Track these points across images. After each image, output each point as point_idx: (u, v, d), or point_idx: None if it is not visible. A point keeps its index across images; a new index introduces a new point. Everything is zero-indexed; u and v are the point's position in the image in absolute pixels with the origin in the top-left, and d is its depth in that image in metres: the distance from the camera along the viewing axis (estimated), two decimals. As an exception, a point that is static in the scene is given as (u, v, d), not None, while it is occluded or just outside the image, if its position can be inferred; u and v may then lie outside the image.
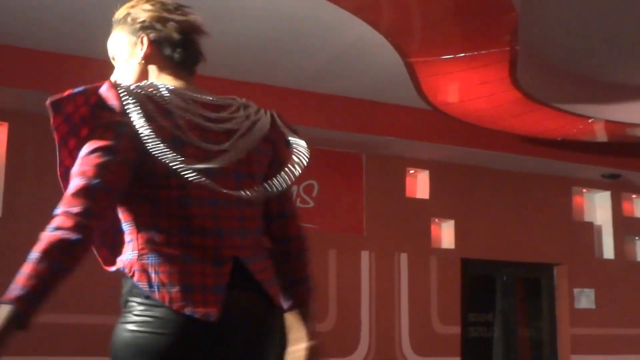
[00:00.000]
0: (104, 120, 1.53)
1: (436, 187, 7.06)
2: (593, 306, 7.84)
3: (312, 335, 1.73)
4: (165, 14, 1.69)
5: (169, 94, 1.59)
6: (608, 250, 8.16)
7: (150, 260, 1.53)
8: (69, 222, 1.43)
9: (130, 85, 1.59)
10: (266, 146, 1.70)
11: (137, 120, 1.50)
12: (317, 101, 6.08)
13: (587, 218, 8.23)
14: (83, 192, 1.46)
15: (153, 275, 1.52)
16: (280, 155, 1.74)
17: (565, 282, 7.78)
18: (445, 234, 7.18)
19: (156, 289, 1.50)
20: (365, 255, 6.58)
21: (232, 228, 1.60)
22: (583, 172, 7.78)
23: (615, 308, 7.89)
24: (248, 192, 1.59)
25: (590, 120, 6.09)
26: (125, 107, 1.52)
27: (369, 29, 4.57)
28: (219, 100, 1.68)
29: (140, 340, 1.49)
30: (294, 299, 1.75)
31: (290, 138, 1.73)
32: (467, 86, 5.44)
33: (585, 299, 7.83)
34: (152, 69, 1.71)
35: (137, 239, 1.56)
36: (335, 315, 6.34)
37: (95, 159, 1.49)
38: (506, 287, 7.68)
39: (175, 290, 1.50)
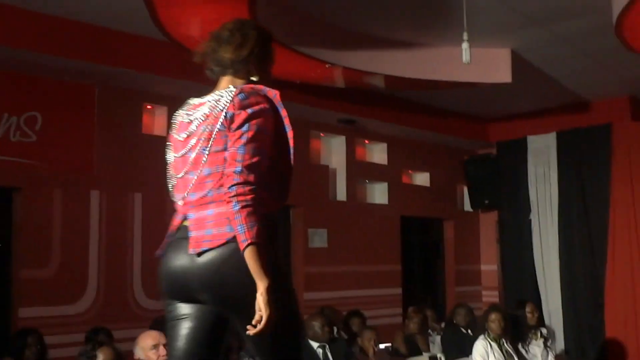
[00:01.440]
0: None
1: (176, 123, 6.79)
2: (325, 245, 8.19)
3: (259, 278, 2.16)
4: None
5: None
6: (341, 193, 8.53)
7: None
8: None
9: None
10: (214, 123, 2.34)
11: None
12: (44, 24, 5.43)
13: (323, 162, 8.51)
14: None
15: None
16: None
17: (301, 222, 8.01)
18: (184, 174, 6.97)
19: None
20: (95, 195, 6.13)
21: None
22: (321, 117, 7.98)
23: (346, 247, 8.36)
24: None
25: (328, 66, 6.15)
26: None
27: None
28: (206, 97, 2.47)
29: None
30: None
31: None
32: (206, 21, 5.15)
33: (319, 238, 8.14)
34: None
35: None
36: (59, 260, 5.87)
37: None
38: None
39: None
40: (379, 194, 9.12)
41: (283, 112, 2.41)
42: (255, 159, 2.22)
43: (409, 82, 6.90)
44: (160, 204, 6.52)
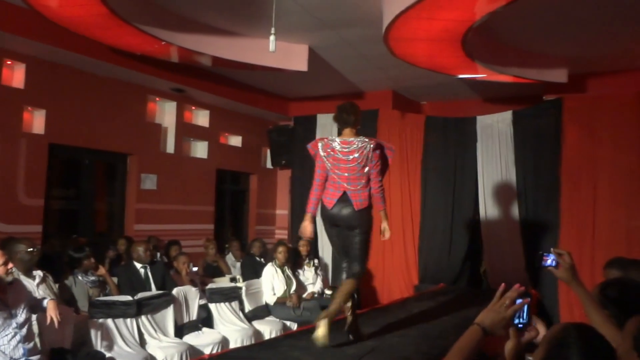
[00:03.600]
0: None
1: (32, 79, 6.59)
2: (155, 187, 8.27)
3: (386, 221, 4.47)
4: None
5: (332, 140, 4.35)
6: (170, 147, 8.62)
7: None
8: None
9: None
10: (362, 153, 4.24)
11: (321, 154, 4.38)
12: None
13: (157, 120, 8.53)
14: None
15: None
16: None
17: (135, 168, 8.02)
18: (37, 122, 6.81)
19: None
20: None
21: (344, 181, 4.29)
22: (157, 84, 7.98)
23: (171, 190, 8.50)
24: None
25: (163, 43, 6.12)
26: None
27: None
28: (351, 140, 4.26)
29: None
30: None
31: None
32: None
33: (150, 182, 8.20)
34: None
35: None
36: None
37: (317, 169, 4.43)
38: (88, 169, 7.69)
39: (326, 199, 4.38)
40: (200, 150, 9.23)
41: (389, 152, 4.44)
42: (380, 174, 4.34)
43: (229, 63, 6.90)
44: (13, 144, 6.43)
